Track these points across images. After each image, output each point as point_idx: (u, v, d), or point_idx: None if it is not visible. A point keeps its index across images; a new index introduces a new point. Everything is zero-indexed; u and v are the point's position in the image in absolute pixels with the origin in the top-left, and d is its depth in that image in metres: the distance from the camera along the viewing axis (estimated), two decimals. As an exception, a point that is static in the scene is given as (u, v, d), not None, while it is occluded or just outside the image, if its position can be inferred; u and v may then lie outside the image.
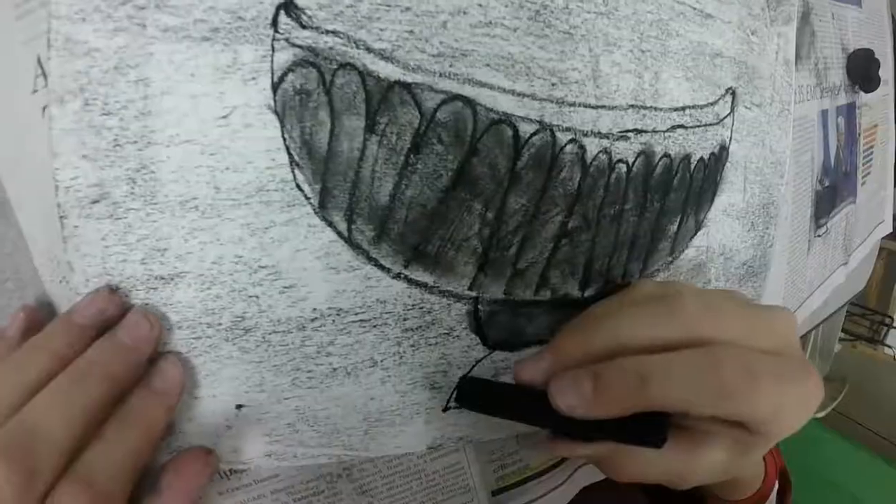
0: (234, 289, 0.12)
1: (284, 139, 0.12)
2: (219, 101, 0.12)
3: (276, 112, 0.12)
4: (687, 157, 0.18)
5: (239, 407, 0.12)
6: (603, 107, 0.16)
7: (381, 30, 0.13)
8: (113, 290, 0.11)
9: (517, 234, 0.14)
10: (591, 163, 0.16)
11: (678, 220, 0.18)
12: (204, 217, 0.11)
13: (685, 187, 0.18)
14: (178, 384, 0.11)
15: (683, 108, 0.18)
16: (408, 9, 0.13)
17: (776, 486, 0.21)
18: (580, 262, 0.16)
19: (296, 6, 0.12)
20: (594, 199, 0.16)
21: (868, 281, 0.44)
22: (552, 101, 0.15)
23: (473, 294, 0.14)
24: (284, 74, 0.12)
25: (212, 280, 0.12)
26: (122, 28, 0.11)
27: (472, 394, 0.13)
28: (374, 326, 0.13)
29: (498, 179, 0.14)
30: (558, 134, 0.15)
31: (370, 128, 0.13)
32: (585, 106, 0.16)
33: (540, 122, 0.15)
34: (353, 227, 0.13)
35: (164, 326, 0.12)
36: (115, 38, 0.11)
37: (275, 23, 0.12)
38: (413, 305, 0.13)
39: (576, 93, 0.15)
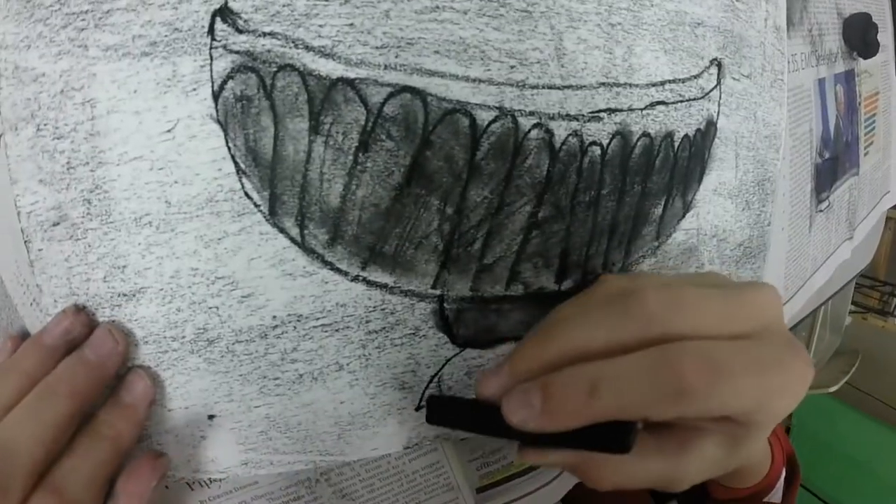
0: (193, 301, 0.11)
1: (229, 148, 0.11)
2: (162, 115, 0.11)
3: (218, 121, 0.11)
4: (669, 136, 0.16)
5: (211, 417, 0.12)
6: (570, 87, 0.14)
7: (320, 26, 0.11)
8: (79, 309, 0.11)
9: (481, 229, 0.13)
10: (560, 147, 0.14)
11: (663, 202, 0.16)
12: (158, 232, 0.11)
13: (669, 167, 0.16)
14: (146, 398, 0.11)
15: (663, 83, 0.16)
16: (347, 1, 0.11)
17: (783, 472, 0.19)
18: (554, 253, 0.14)
19: (231, 11, 0.11)
20: (566, 186, 0.14)
21: (876, 252, 0.40)
22: (512, 85, 0.13)
23: (438, 292, 0.13)
24: (224, 82, 0.11)
25: (172, 294, 0.11)
26: (65, 51, 0.10)
27: (439, 412, 0.12)
28: (337, 331, 0.12)
29: (456, 172, 0.13)
30: (521, 119, 0.13)
31: (314, 129, 0.12)
32: (550, 87, 0.14)
33: (499, 109, 0.13)
34: (305, 231, 0.12)
35: (131, 342, 0.11)
36: (60, 61, 0.10)
37: (211, 31, 0.11)
38: (375, 307, 0.12)
39: (538, 74, 0.13)
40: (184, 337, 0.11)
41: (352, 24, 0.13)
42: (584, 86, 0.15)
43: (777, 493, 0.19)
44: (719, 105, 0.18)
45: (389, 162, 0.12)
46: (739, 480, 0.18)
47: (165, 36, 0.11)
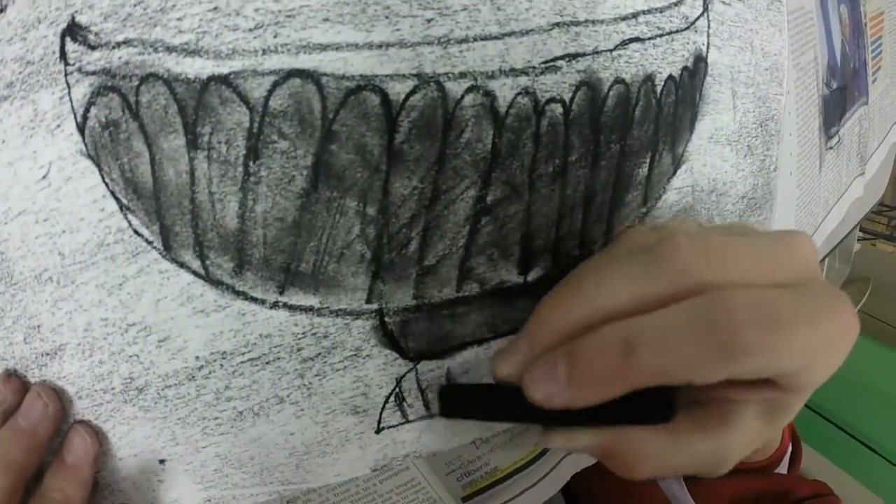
0: (112, 352, 0.09)
1: (107, 184, 0.08)
2: (33, 161, 0.08)
3: (89, 156, 0.08)
4: (649, 79, 0.11)
5: (162, 461, 0.10)
6: (512, 34, 0.09)
7: (179, 19, 0.08)
8: (9, 374, 0.09)
9: (415, 226, 0.09)
10: (506, 112, 0.09)
11: (648, 160, 0.11)
12: (60, 286, 0.09)
13: (652, 118, 0.11)
14: (87, 455, 0.09)
15: (635, 15, 0.10)
16: None
17: (789, 448, 0.16)
18: (513, 240, 0.10)
19: (80, 27, 0.08)
20: (520, 158, 0.09)
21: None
22: (431, 44, 0.09)
23: (375, 307, 0.09)
24: (87, 111, 0.08)
25: (90, 347, 0.09)
26: None
27: (454, 403, 0.10)
28: (267, 363, 0.09)
29: (372, 164, 0.09)
30: (448, 85, 0.09)
31: (193, 143, 0.08)
32: (484, 38, 0.09)
33: (418, 76, 0.09)
34: (207, 262, 0.09)
35: (65, 399, 0.09)
36: None
37: (63, 54, 0.08)
38: (304, 333, 0.09)
39: (466, 24, 0.09)
40: (113, 388, 0.09)
41: (216, 8, 0.09)
42: (532, 30, 0.09)
43: (783, 469, 0.15)
44: (708, 36, 0.12)
45: (287, 166, 0.08)
46: (750, 454, 0.15)
47: (19, 73, 0.08)
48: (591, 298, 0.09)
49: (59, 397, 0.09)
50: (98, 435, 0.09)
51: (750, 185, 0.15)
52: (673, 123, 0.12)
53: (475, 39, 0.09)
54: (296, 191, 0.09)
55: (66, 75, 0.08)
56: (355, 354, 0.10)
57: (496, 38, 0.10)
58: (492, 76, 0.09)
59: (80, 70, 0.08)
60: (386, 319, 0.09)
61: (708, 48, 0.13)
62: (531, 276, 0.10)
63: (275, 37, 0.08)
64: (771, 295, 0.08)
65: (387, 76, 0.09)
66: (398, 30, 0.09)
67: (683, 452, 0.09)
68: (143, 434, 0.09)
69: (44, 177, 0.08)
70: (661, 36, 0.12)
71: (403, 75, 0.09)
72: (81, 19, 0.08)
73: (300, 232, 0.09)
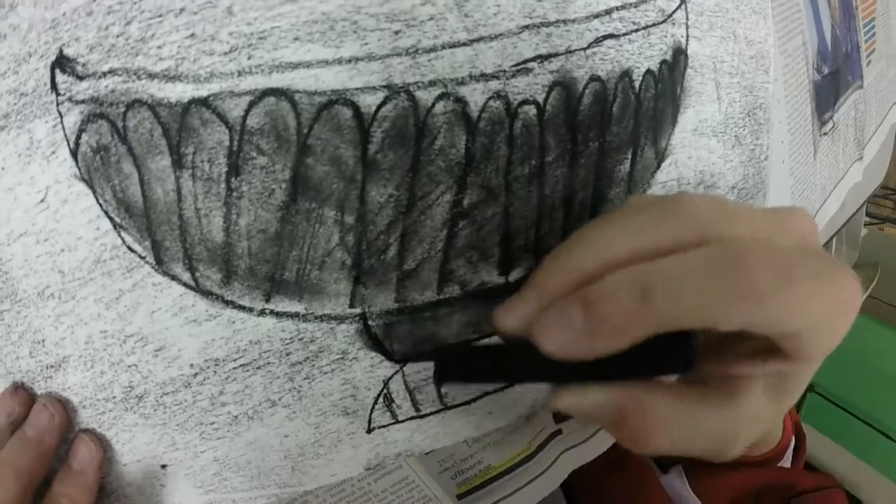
0: (112, 362, 0.09)
1: (100, 204, 0.09)
2: (32, 186, 0.09)
3: (83, 179, 0.09)
4: (626, 75, 0.11)
5: (164, 466, 0.10)
6: (480, 39, 0.09)
7: (159, 47, 0.08)
8: (17, 387, 0.10)
9: (393, 232, 0.09)
10: (478, 116, 0.09)
11: (630, 156, 0.11)
12: (62, 302, 0.09)
13: (631, 113, 0.11)
14: (92, 461, 0.09)
15: (608, 12, 0.10)
16: (182, 10, 0.08)
17: (793, 441, 0.16)
18: (492, 242, 0.10)
19: (68, 59, 0.08)
20: (495, 162, 0.10)
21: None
22: (399, 55, 0.09)
23: (358, 311, 0.10)
24: (78, 137, 0.08)
25: (91, 358, 0.09)
26: None
27: (452, 368, 0.09)
28: (258, 368, 0.10)
29: (347, 175, 0.09)
30: (419, 94, 0.09)
31: (178, 163, 0.09)
32: (452, 46, 0.09)
33: (388, 87, 0.09)
34: (197, 274, 0.09)
35: (70, 409, 0.10)
36: None
37: (54, 85, 0.08)
38: (291, 339, 0.10)
39: (433, 33, 0.09)
40: (114, 397, 0.10)
41: (192, 35, 0.08)
42: (501, 34, 0.09)
43: (786, 462, 0.15)
44: (687, 28, 0.12)
45: (267, 180, 0.09)
46: (753, 447, 0.14)
47: (14, 104, 0.08)
48: (604, 246, 0.08)
49: (65, 407, 0.09)
50: (102, 442, 0.10)
51: (740, 176, 0.15)
52: (654, 118, 0.11)
53: (443, 48, 0.10)
54: (276, 203, 0.09)
55: (57, 105, 0.09)
56: (342, 358, 0.10)
57: (465, 44, 0.10)
58: (462, 82, 0.10)
59: (70, 99, 0.09)
60: (370, 323, 0.10)
61: (688, 40, 0.12)
62: (512, 277, 0.10)
63: (249, 58, 0.09)
64: (782, 250, 0.08)
65: (357, 89, 0.09)
66: (366, 44, 0.09)
67: (694, 425, 0.08)
68: (144, 440, 0.10)
69: (42, 200, 0.09)
70: (636, 31, 0.11)
71: (374, 87, 0.09)
72: (69, 52, 0.08)
73: (282, 242, 0.09)
